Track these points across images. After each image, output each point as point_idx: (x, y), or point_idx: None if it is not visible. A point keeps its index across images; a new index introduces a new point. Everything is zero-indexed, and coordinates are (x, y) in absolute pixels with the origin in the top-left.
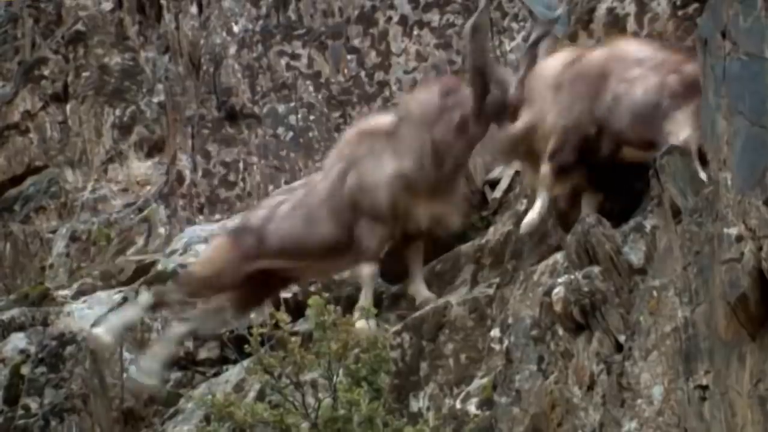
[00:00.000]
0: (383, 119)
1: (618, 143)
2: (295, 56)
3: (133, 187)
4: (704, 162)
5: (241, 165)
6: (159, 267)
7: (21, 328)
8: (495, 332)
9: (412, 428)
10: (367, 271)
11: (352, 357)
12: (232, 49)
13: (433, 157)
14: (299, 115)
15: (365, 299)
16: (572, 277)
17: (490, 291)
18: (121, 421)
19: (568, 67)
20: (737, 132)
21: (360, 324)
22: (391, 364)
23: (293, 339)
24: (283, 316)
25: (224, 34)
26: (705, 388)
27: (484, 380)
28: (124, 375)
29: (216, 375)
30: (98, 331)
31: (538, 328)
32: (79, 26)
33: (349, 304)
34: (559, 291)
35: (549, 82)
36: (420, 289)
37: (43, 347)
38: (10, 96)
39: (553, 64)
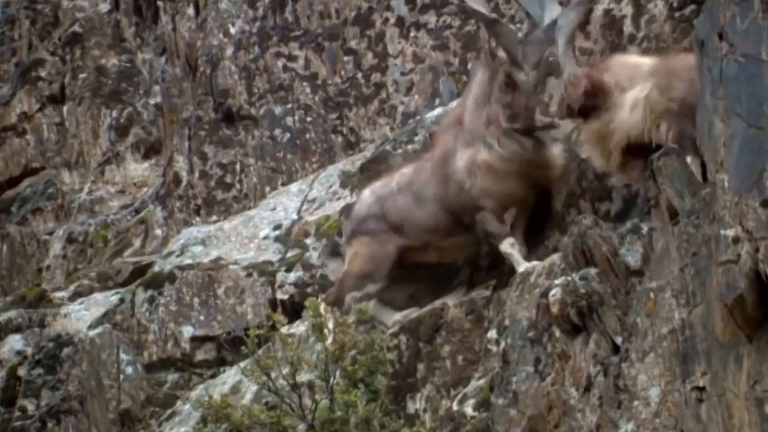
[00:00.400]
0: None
1: None
2: (292, 58)
3: (129, 189)
4: None
5: (237, 167)
6: (156, 269)
7: (18, 329)
8: (492, 334)
9: (408, 430)
10: (506, 245)
11: (349, 358)
12: (229, 51)
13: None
14: (296, 117)
15: (521, 268)
16: (569, 278)
17: (487, 293)
18: (117, 423)
19: (662, 60)
20: (734, 134)
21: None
22: (388, 365)
23: (290, 340)
24: (280, 317)
25: (221, 35)
26: (702, 389)
27: (481, 382)
28: (121, 376)
29: (213, 376)
30: None
31: (534, 330)
32: (76, 28)
33: None
34: (555, 293)
35: (644, 69)
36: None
37: (40, 349)
38: (7, 97)
39: (642, 59)
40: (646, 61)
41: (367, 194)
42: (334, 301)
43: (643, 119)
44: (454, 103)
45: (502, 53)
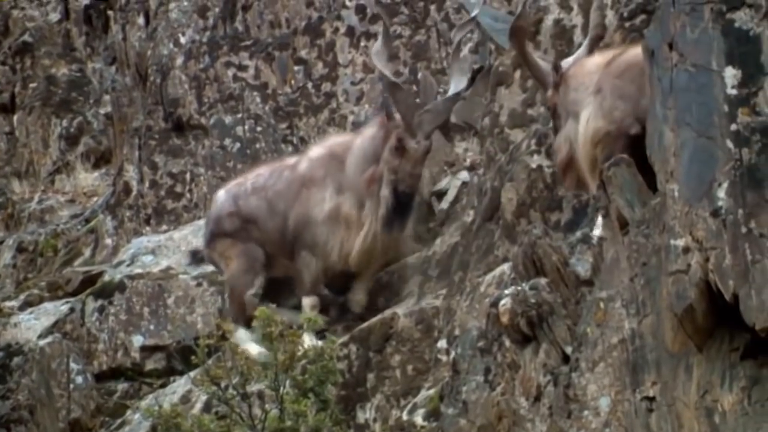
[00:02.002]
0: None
1: None
2: (242, 67)
3: (80, 198)
4: None
5: (188, 176)
6: (106, 278)
7: None
8: (442, 343)
9: None
10: (307, 300)
11: (299, 368)
12: (179, 60)
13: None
14: (246, 126)
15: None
16: (519, 288)
17: (437, 302)
18: None
19: (605, 68)
20: (684, 144)
21: (307, 338)
22: (338, 375)
23: (240, 350)
24: (230, 326)
25: (171, 45)
26: (652, 399)
27: (431, 391)
28: (71, 386)
29: (163, 386)
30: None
31: (484, 340)
32: (26, 37)
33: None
34: (506, 302)
35: (589, 88)
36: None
37: None
38: None
39: (588, 68)
40: (592, 73)
41: (221, 194)
42: (237, 315)
43: None
44: None
45: (398, 116)
